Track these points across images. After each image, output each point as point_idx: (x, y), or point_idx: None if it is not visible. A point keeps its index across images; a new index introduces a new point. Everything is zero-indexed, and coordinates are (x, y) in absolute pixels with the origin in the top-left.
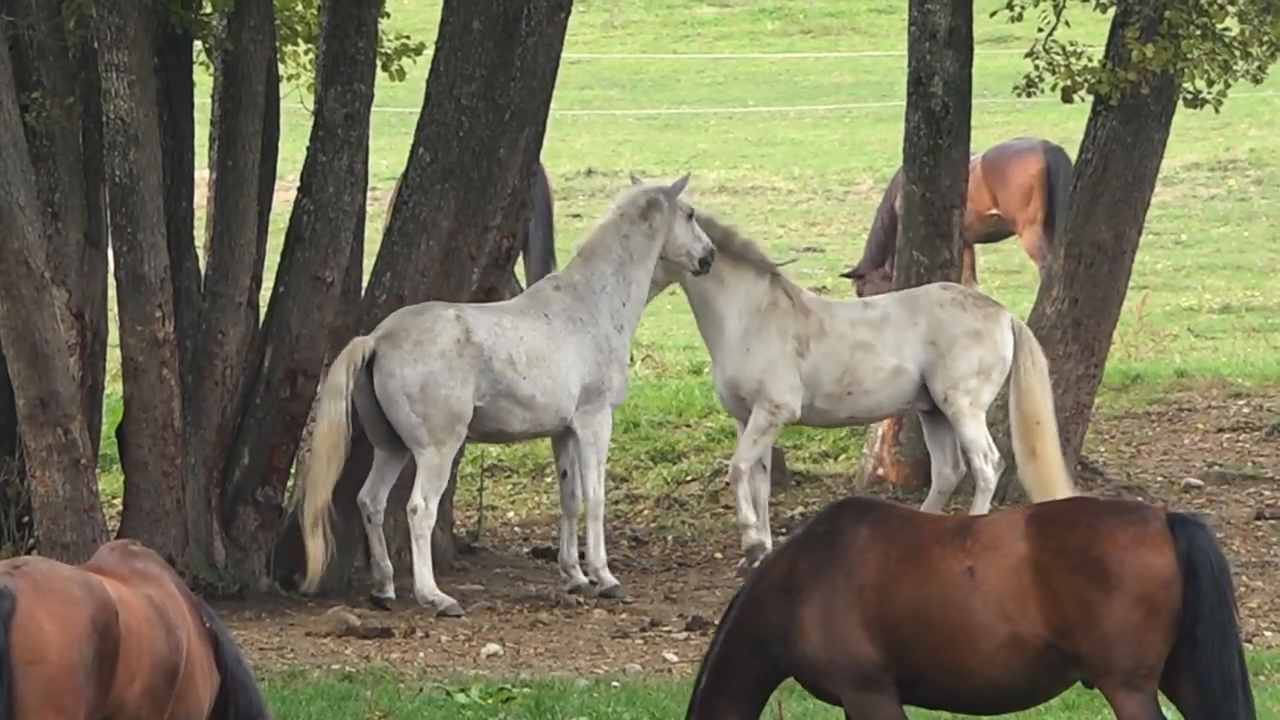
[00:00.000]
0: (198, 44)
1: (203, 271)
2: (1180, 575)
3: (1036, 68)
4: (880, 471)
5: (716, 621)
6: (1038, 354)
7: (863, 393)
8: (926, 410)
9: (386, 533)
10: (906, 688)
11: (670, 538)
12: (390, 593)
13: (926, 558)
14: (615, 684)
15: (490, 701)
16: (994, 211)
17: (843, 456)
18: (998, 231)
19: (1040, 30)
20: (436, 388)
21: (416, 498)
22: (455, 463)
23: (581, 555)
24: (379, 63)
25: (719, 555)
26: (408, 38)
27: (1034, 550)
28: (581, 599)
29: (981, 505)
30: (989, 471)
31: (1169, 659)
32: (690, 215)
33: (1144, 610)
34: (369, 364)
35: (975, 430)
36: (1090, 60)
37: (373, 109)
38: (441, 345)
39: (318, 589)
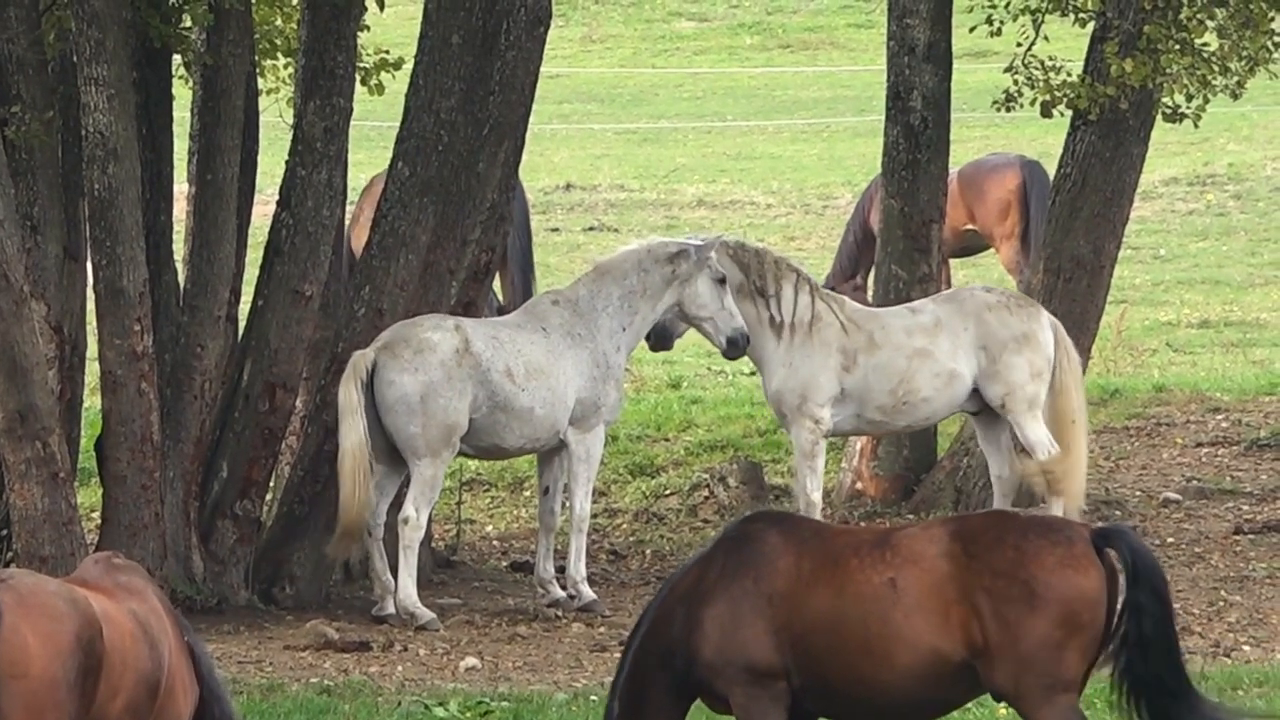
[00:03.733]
0: (177, 58)
1: (181, 285)
2: (1105, 593)
3: (1015, 82)
4: (859, 485)
5: None
6: (1073, 353)
7: (921, 400)
8: (975, 413)
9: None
10: (815, 698)
11: (649, 551)
12: (391, 608)
13: (844, 569)
14: (593, 698)
15: (468, 715)
16: (970, 227)
17: None
18: (973, 246)
19: (1019, 45)
20: (435, 397)
21: (409, 508)
22: None
23: (560, 569)
24: (358, 77)
25: None
26: (387, 52)
27: (958, 569)
28: (560, 613)
29: (1057, 504)
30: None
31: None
32: (722, 280)
33: (1066, 630)
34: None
35: (1037, 431)
36: (1069, 75)
37: (352, 123)
38: (441, 355)
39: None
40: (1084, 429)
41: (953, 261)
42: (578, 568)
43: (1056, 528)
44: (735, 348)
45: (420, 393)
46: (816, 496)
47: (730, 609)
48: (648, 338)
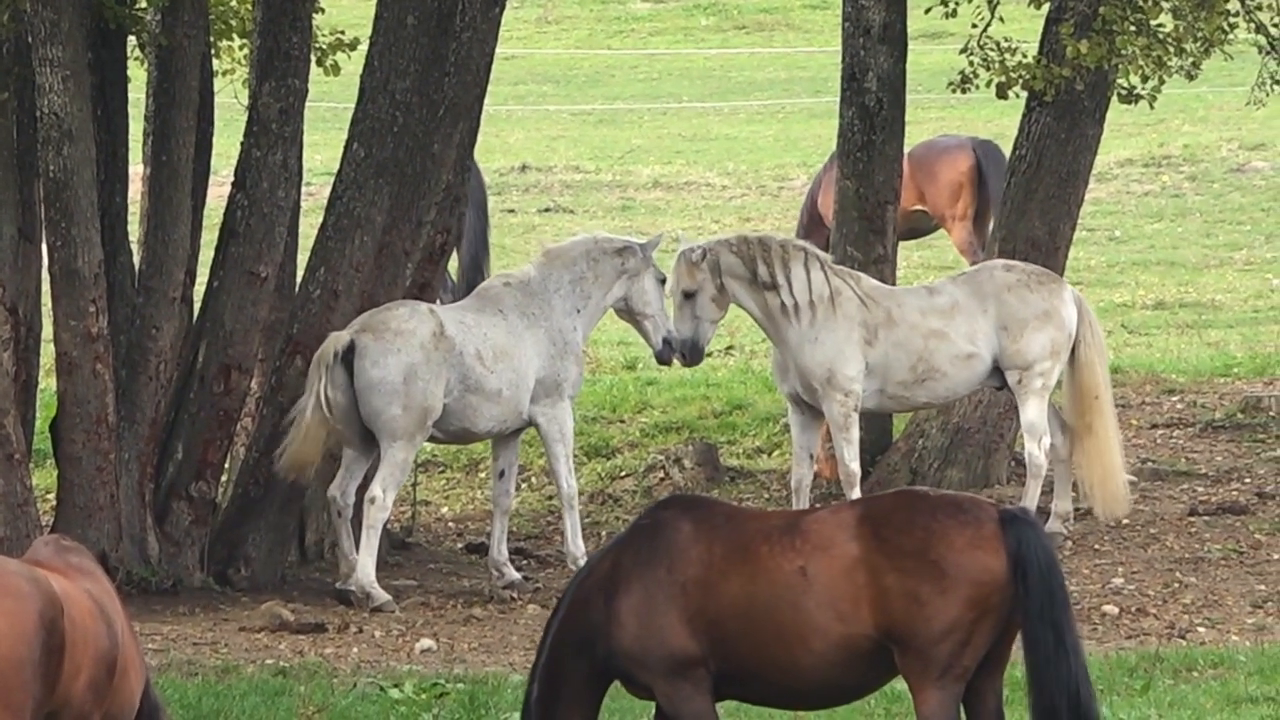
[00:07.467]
0: (132, 39)
1: (137, 266)
2: (1011, 576)
3: (971, 64)
4: (815, 467)
5: None
6: (1096, 327)
7: (940, 376)
8: (1000, 387)
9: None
10: (733, 683)
11: (604, 533)
12: (353, 585)
13: (755, 555)
14: None
15: (424, 697)
16: (919, 208)
17: (776, 452)
18: (920, 227)
19: (974, 26)
20: (415, 380)
21: (375, 489)
22: None
23: (515, 551)
24: (313, 58)
25: None
26: (342, 33)
27: (867, 551)
28: (515, 595)
29: (1033, 492)
30: (1041, 458)
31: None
32: (662, 281)
33: (976, 612)
34: (345, 359)
35: (1037, 413)
36: (1025, 56)
37: (307, 104)
38: (421, 338)
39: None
40: (1109, 407)
41: (910, 243)
42: (576, 544)
43: (966, 508)
44: (669, 348)
45: (403, 374)
46: (855, 466)
47: (645, 599)
48: (681, 355)
